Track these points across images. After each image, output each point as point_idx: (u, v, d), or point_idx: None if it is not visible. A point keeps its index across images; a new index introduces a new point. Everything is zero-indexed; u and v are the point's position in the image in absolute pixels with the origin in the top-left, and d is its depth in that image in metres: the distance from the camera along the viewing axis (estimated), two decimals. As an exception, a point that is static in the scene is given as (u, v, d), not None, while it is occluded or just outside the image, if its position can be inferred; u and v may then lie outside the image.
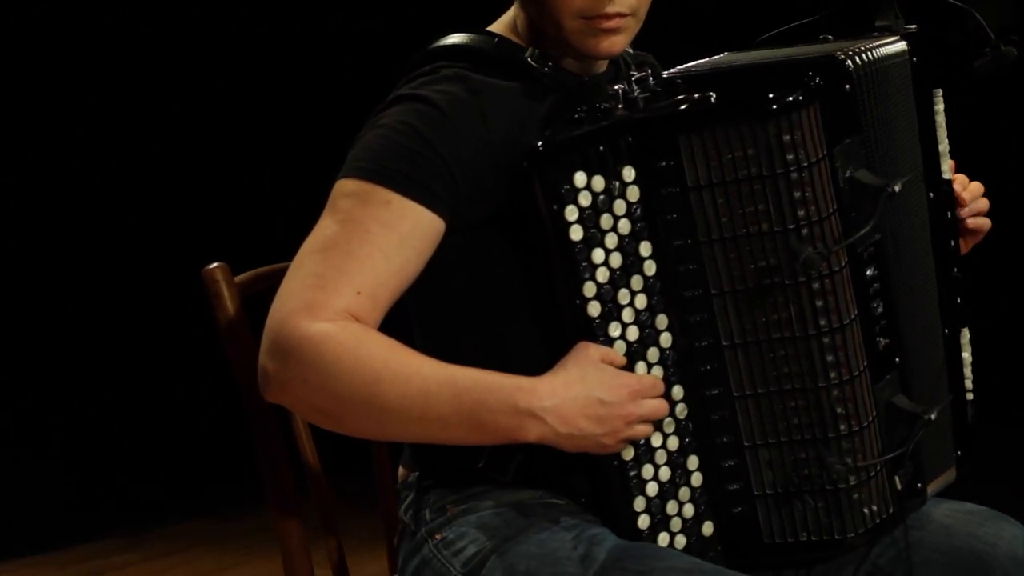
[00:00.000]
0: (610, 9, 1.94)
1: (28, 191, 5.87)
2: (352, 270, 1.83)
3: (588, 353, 1.86)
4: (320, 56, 6.25)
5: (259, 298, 2.16)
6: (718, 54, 2.10)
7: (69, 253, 5.95)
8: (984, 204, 2.17)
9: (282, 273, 2.17)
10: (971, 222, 2.15)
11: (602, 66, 2.06)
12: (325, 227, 1.87)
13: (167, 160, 6.12)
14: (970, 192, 2.16)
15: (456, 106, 1.91)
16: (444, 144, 1.88)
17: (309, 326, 1.80)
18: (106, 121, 6.01)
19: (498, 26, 2.05)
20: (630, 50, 2.12)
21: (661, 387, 1.90)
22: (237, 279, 2.14)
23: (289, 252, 2.01)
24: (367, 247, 1.84)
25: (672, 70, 2.01)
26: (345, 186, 1.89)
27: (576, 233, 1.85)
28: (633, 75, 1.95)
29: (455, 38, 2.01)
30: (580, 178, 1.85)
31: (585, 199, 1.86)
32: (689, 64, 2.04)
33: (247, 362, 2.07)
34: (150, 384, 5.88)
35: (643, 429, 1.88)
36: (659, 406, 1.89)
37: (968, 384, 2.14)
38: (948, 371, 2.10)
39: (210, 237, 6.09)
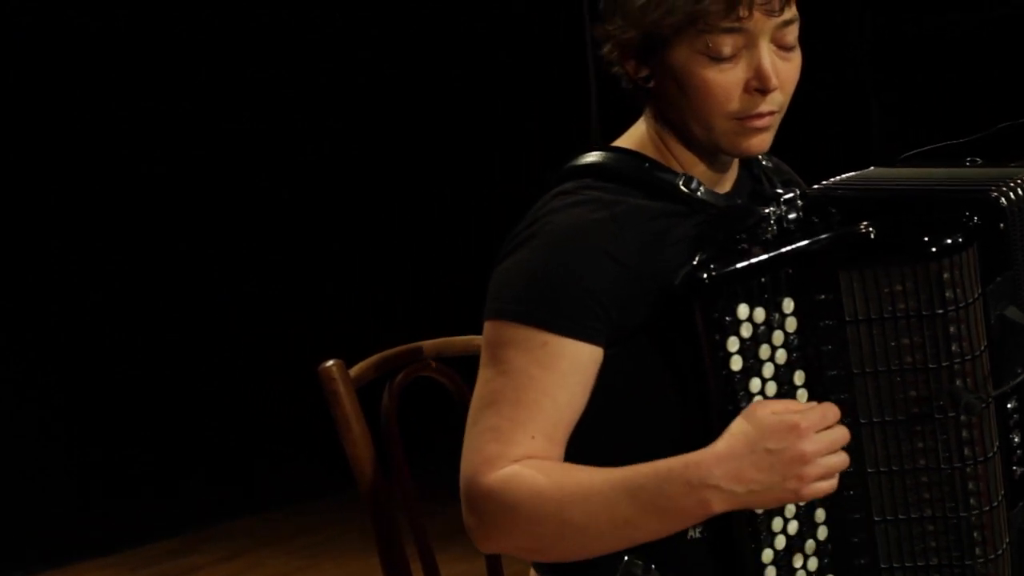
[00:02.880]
0: (763, 108, 1.96)
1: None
2: (523, 418, 1.90)
3: (754, 409, 1.86)
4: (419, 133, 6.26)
5: (374, 385, 2.22)
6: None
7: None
8: None
9: (397, 359, 2.22)
10: None
11: (733, 173, 2.08)
12: (489, 379, 1.93)
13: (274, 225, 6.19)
14: None
15: (597, 234, 1.93)
16: (588, 275, 1.92)
17: (488, 479, 1.88)
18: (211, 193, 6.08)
19: (633, 141, 2.04)
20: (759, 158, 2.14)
21: (830, 415, 1.86)
22: (352, 371, 2.18)
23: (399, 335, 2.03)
24: (532, 392, 1.90)
25: (817, 187, 2.04)
26: (499, 332, 1.94)
27: (736, 363, 1.89)
28: (780, 194, 1.98)
29: (602, 157, 2.02)
30: (743, 310, 1.88)
31: (746, 330, 1.89)
32: (836, 180, 2.05)
33: (365, 456, 2.13)
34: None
35: (831, 462, 1.85)
36: (835, 436, 1.85)
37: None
38: (1074, 495, 2.14)
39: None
